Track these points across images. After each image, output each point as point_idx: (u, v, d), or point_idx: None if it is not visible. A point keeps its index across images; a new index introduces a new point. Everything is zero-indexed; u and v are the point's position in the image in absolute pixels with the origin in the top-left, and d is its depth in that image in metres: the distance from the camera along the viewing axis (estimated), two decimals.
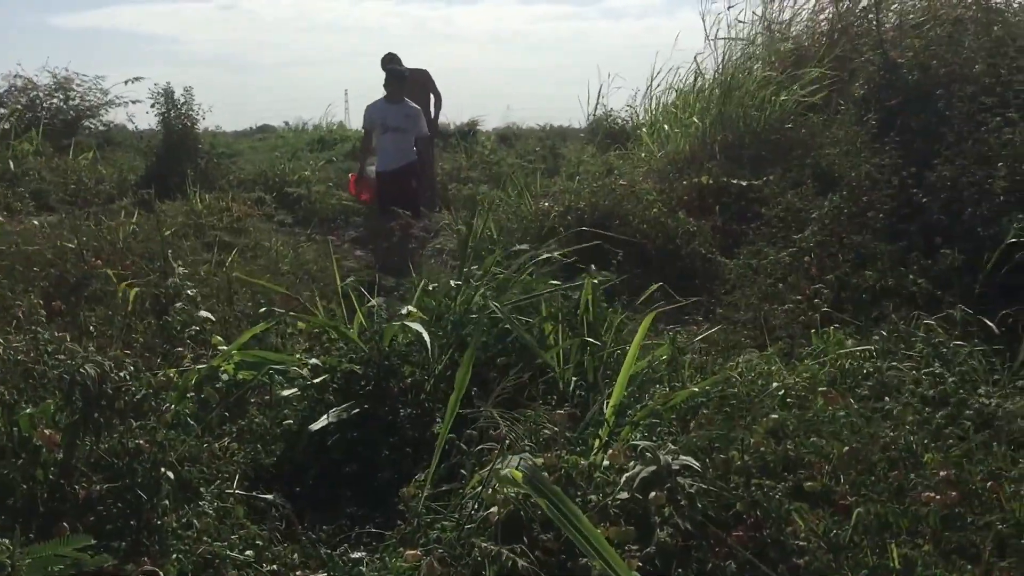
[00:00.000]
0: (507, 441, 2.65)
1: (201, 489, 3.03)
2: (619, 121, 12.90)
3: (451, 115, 15.12)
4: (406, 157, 8.50)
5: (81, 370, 2.83)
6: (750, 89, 8.80)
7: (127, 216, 7.30)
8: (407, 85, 8.97)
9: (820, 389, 3.22)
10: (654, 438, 2.86)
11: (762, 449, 2.71)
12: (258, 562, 2.77)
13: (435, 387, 3.90)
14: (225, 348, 3.99)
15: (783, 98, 8.50)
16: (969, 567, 2.49)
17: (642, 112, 11.62)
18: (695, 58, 10.21)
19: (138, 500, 2.76)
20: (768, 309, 5.31)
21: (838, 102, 7.81)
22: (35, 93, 13.88)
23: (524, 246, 5.20)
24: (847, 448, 2.76)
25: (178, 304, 4.71)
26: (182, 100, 11.46)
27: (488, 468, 2.46)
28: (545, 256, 4.88)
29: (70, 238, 5.92)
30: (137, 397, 2.91)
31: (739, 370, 3.51)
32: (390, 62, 9.65)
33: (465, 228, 4.54)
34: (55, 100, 13.96)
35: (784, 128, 8.24)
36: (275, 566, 2.80)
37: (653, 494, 2.38)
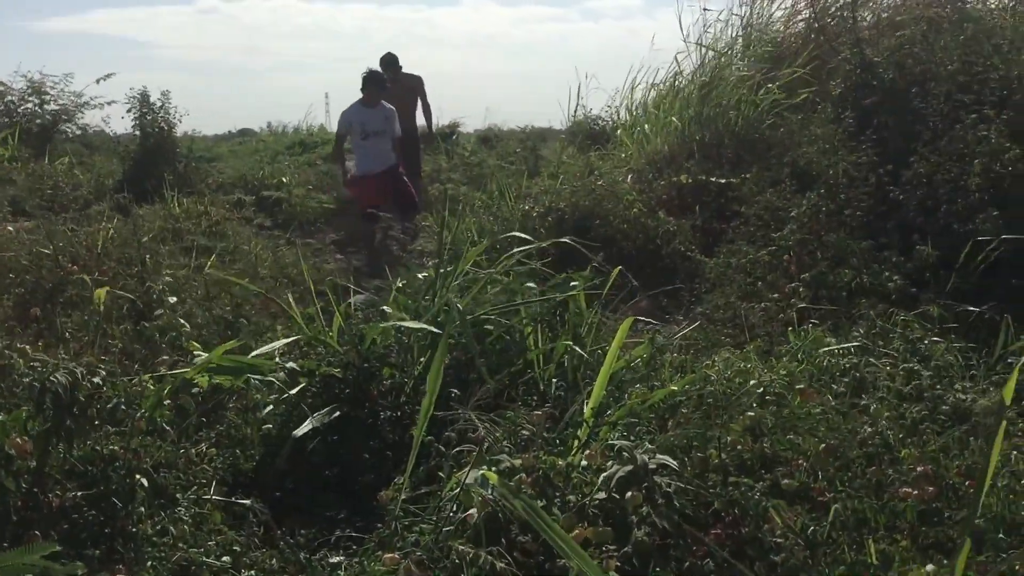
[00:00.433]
0: (485, 444, 2.64)
1: (177, 495, 3.01)
2: (599, 122, 12.93)
3: (432, 117, 15.06)
4: (388, 160, 8.44)
5: (52, 377, 2.80)
6: (728, 88, 8.83)
7: (104, 221, 7.24)
8: (399, 90, 8.97)
9: (798, 387, 3.23)
10: (633, 437, 2.86)
11: (739, 447, 2.71)
12: (235, 568, 2.74)
13: (415, 389, 3.89)
14: (202, 354, 3.96)
15: (760, 97, 8.54)
16: (945, 562, 2.49)
17: (622, 112, 11.65)
18: (675, 57, 10.24)
19: (112, 507, 2.74)
20: (747, 307, 5.33)
21: (815, 101, 7.86)
22: (10, 98, 13.75)
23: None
24: (823, 445, 2.77)
25: (158, 311, 4.66)
26: (159, 104, 11.39)
27: (466, 471, 2.45)
28: (525, 252, 4.86)
29: (46, 244, 5.86)
30: (110, 405, 2.88)
31: (716, 369, 3.52)
32: (389, 64, 9.56)
33: (440, 228, 4.52)
34: (30, 104, 13.82)
35: (762, 127, 8.27)
36: (253, 572, 2.78)
37: (630, 494, 2.38)
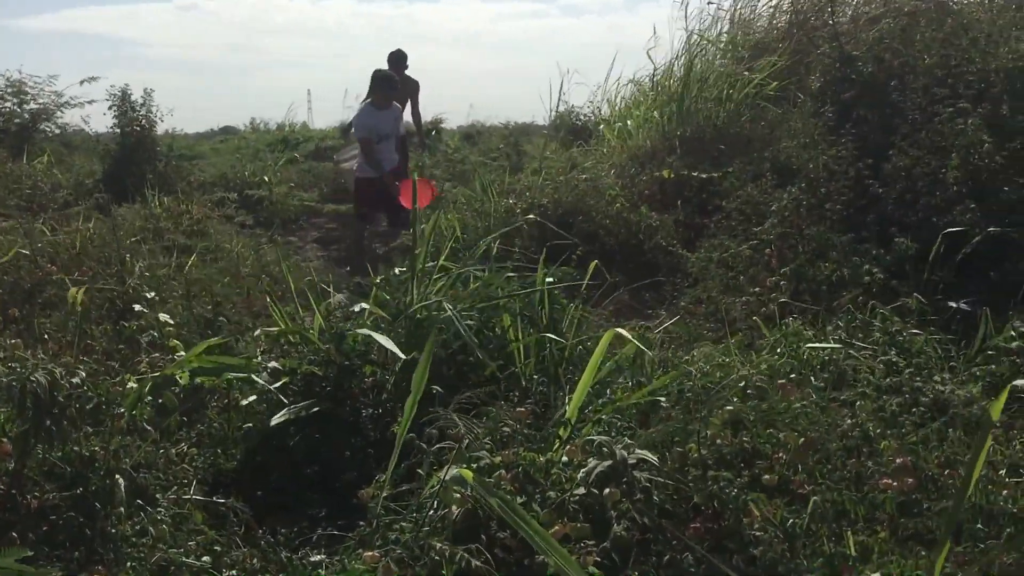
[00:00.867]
0: (465, 441, 2.63)
1: (157, 495, 2.99)
2: (581, 117, 12.95)
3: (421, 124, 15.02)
4: (393, 162, 8.31)
5: (31, 378, 2.78)
6: (709, 83, 8.85)
7: (83, 221, 7.19)
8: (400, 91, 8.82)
9: (779, 381, 3.24)
10: (614, 433, 2.87)
11: (719, 441, 2.72)
12: (216, 568, 2.73)
13: (396, 386, 3.88)
14: (183, 353, 3.94)
15: (741, 91, 8.56)
16: (924, 553, 2.51)
17: (604, 108, 11.67)
18: (647, 53, 10.24)
19: (92, 508, 2.72)
20: (729, 302, 5.35)
21: (796, 96, 7.88)
22: None
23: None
24: (803, 438, 2.78)
25: (136, 307, 4.63)
26: (140, 102, 11.32)
27: (445, 468, 2.44)
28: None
29: (24, 244, 5.82)
30: (90, 405, 2.86)
31: (696, 363, 3.53)
32: (397, 61, 9.47)
33: (414, 224, 4.51)
34: (8, 104, 13.70)
35: (743, 121, 8.30)
36: (234, 571, 2.76)
37: (609, 489, 2.39)
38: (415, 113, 10.26)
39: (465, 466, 2.42)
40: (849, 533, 2.55)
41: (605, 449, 2.48)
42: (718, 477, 2.48)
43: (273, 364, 3.90)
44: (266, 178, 11.00)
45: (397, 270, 4.37)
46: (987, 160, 5.14)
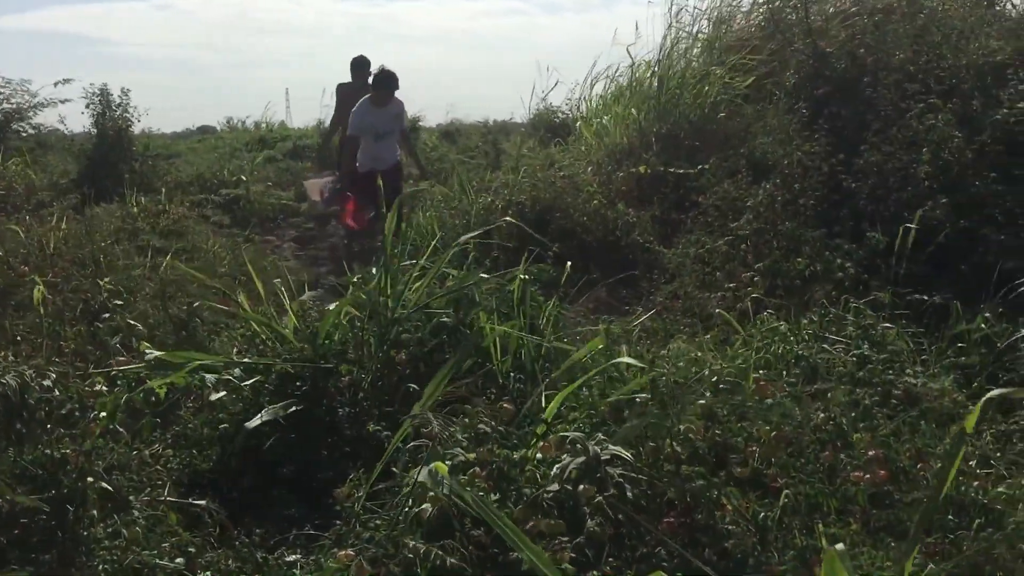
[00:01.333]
0: (439, 439, 2.64)
1: (131, 498, 2.97)
2: (560, 115, 12.96)
3: None
4: (394, 158, 8.21)
5: (1, 380, 2.76)
6: (686, 80, 8.87)
7: (58, 221, 7.13)
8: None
9: (753, 376, 3.26)
10: (588, 429, 2.88)
11: (692, 436, 2.74)
12: (190, 569, 2.72)
13: (372, 385, 3.88)
14: (155, 354, 3.91)
15: (716, 88, 8.59)
16: (894, 544, 2.54)
17: (582, 105, 11.67)
18: (627, 49, 10.26)
19: (64, 511, 2.70)
20: (705, 297, 5.37)
21: (773, 92, 7.92)
22: None
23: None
24: (774, 432, 2.80)
25: (107, 313, 4.60)
26: (118, 101, 11.22)
27: (419, 466, 2.45)
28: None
29: None
30: (63, 410, 2.84)
31: (670, 358, 3.55)
32: (358, 67, 9.21)
33: (389, 223, 4.50)
34: None
35: (719, 118, 8.33)
36: (208, 572, 2.76)
37: (583, 485, 2.40)
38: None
39: (440, 463, 2.42)
40: (821, 526, 2.57)
41: (579, 446, 2.49)
42: (691, 472, 2.50)
43: (246, 361, 3.88)
44: (243, 177, 10.93)
45: (373, 269, 4.37)
46: (957, 155, 5.19)
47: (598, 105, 10.76)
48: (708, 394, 3.03)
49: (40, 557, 2.63)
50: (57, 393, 2.86)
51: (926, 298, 4.47)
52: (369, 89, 8.76)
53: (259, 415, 3.53)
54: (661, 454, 2.65)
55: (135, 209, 8.26)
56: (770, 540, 2.45)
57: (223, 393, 3.70)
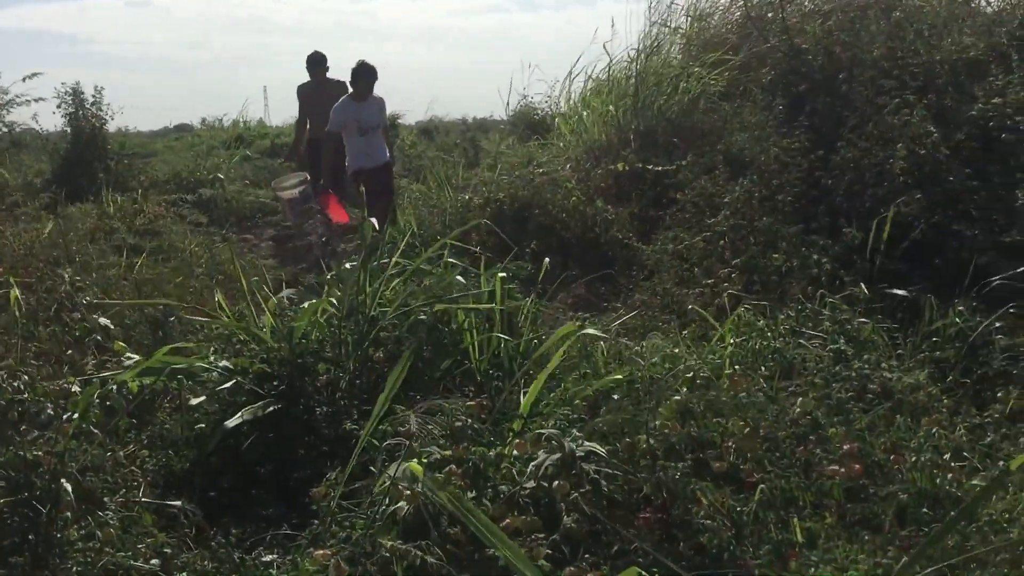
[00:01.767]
0: (416, 436, 2.63)
1: (105, 499, 2.95)
2: (539, 112, 12.97)
3: None
4: (384, 156, 8.07)
5: None
6: (664, 77, 8.89)
7: (33, 221, 7.06)
8: (323, 97, 8.51)
9: (727, 372, 3.28)
10: (565, 425, 2.88)
11: (667, 431, 2.75)
12: (166, 570, 2.70)
13: (350, 384, 3.86)
14: (132, 356, 3.88)
15: (693, 85, 8.62)
16: (868, 537, 2.55)
17: (562, 102, 11.68)
18: (605, 46, 10.26)
19: (37, 513, 2.67)
20: (683, 293, 5.39)
21: (749, 89, 7.95)
22: None
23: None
24: (748, 427, 2.81)
25: (75, 314, 4.56)
26: (91, 99, 11.13)
27: (395, 464, 2.44)
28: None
29: None
30: (33, 410, 2.81)
31: (645, 355, 3.55)
32: (316, 64, 9.09)
33: (362, 220, 4.49)
34: None
35: (696, 115, 8.35)
36: (184, 573, 2.74)
37: (558, 482, 2.40)
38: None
39: (415, 462, 2.41)
40: (796, 520, 2.58)
41: (554, 442, 2.49)
42: (666, 467, 2.50)
43: (224, 363, 3.86)
44: (220, 175, 10.86)
45: (348, 264, 4.35)
46: (932, 151, 5.23)
47: (577, 102, 10.77)
48: (684, 390, 3.04)
49: (12, 559, 2.60)
50: (27, 395, 2.83)
51: (900, 293, 4.50)
52: (329, 84, 8.75)
53: (237, 415, 3.51)
54: (637, 450, 2.65)
55: (110, 208, 8.19)
56: (745, 535, 2.46)
57: (202, 398, 3.68)
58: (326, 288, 4.35)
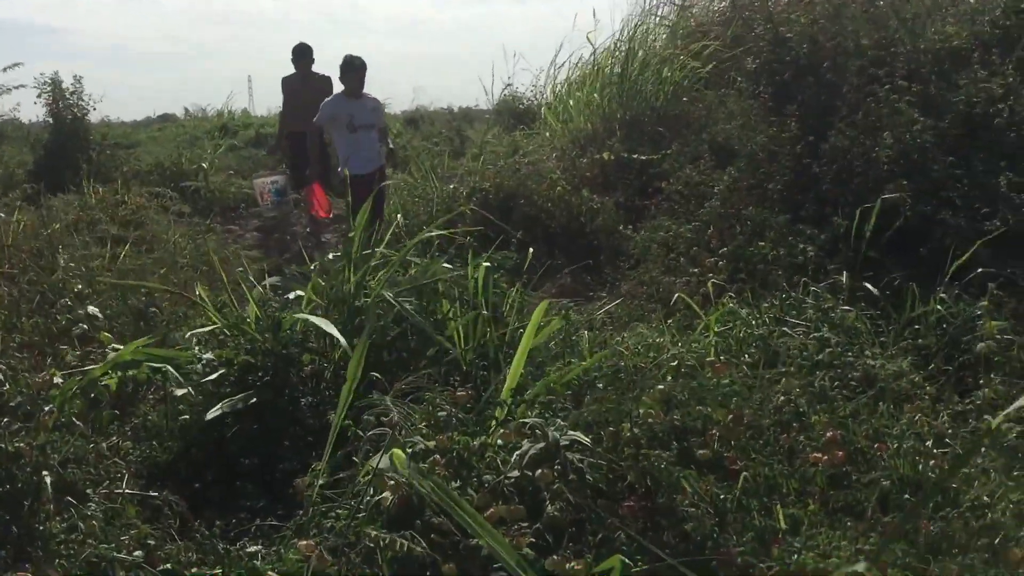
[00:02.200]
0: (399, 426, 2.62)
1: (88, 491, 2.93)
2: (524, 101, 12.95)
3: None
4: (379, 160, 7.67)
5: None
6: (649, 66, 8.89)
7: (14, 212, 7.00)
8: (308, 92, 8.25)
9: (709, 360, 3.29)
10: (547, 415, 2.88)
11: (650, 420, 2.75)
12: (150, 562, 2.69)
13: (336, 374, 3.85)
14: (116, 347, 3.86)
15: (677, 73, 8.62)
16: (850, 523, 2.57)
17: (547, 91, 11.67)
18: (588, 36, 10.26)
19: (18, 506, 2.66)
20: (669, 282, 5.40)
21: (734, 78, 7.95)
22: None
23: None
24: (731, 415, 2.82)
25: (62, 301, 4.52)
26: (71, 90, 11.03)
27: (378, 454, 2.43)
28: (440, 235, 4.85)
29: None
30: (13, 403, 2.79)
31: (628, 344, 3.56)
32: (301, 55, 8.78)
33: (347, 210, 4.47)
34: None
35: (681, 103, 8.36)
36: (168, 565, 2.72)
37: (541, 471, 2.40)
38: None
39: (399, 452, 2.40)
40: (779, 507, 2.59)
41: (538, 431, 2.50)
42: (650, 455, 2.51)
43: (209, 356, 3.84)
44: (204, 165, 10.79)
45: (331, 255, 4.33)
46: (918, 140, 5.24)
47: (562, 91, 10.76)
48: (668, 378, 3.04)
49: None
50: (8, 387, 2.81)
51: (885, 280, 4.52)
52: (314, 77, 8.56)
53: (217, 407, 3.50)
54: (621, 438, 2.66)
55: (92, 199, 8.12)
56: (729, 522, 2.47)
57: (187, 390, 3.66)
58: (311, 279, 4.33)
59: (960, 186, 5.03)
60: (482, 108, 15.82)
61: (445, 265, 4.24)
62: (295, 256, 7.52)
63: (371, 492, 2.50)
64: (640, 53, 9.28)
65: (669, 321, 4.43)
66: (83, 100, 11.04)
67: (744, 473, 2.60)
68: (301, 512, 2.83)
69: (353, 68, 7.52)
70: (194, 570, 2.76)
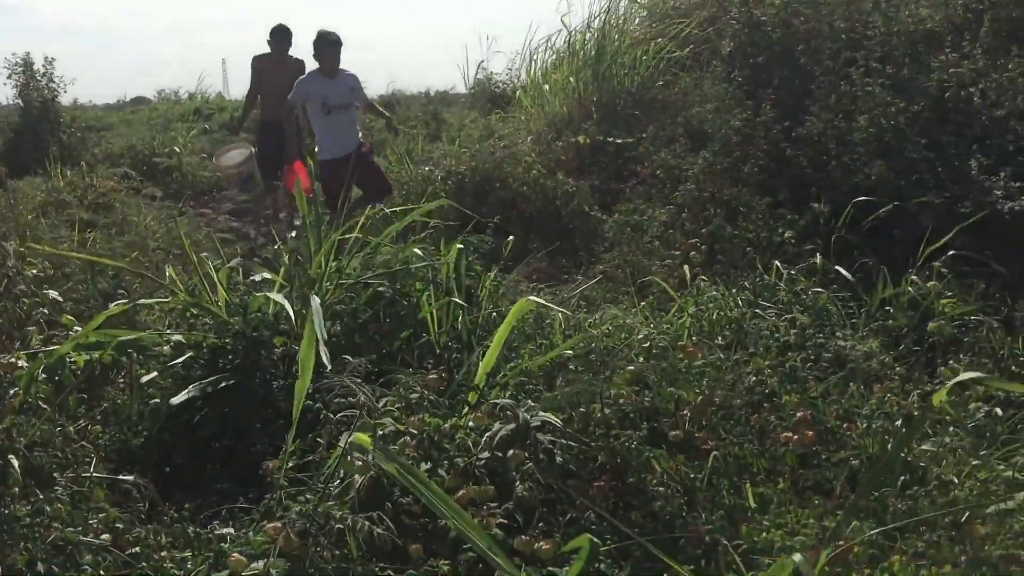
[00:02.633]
0: (367, 407, 2.61)
1: (55, 475, 2.89)
2: (500, 84, 12.90)
3: None
4: (355, 141, 7.22)
5: None
6: (623, 48, 8.87)
7: None
8: (283, 74, 7.79)
9: (680, 343, 3.29)
10: (521, 396, 2.88)
11: (621, 400, 2.75)
12: (117, 545, 2.66)
13: None
14: (79, 328, 3.81)
15: (652, 56, 8.61)
16: (819, 502, 2.59)
17: (523, 74, 11.62)
18: (562, 19, 10.22)
19: None
20: (644, 265, 5.41)
21: (709, 61, 7.95)
22: None
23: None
24: (701, 396, 2.83)
25: (20, 287, 4.46)
26: (42, 71, 10.88)
27: (345, 436, 2.42)
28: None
29: None
30: None
31: (602, 326, 3.56)
32: (281, 38, 8.22)
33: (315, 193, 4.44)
34: None
35: (656, 87, 8.35)
36: (137, 548, 2.70)
37: (512, 452, 2.40)
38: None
39: (369, 434, 2.39)
40: (749, 486, 2.60)
41: (509, 413, 2.49)
42: (620, 435, 2.51)
43: (177, 337, 3.80)
44: (176, 149, 10.67)
45: (294, 235, 4.29)
46: (892, 122, 5.27)
47: (537, 74, 10.72)
48: (640, 359, 3.04)
49: None
50: None
51: (858, 263, 4.55)
52: (289, 61, 8.24)
53: (184, 392, 3.47)
54: (591, 419, 2.66)
55: (60, 183, 8.00)
56: (698, 501, 2.47)
57: (155, 374, 3.62)
58: (284, 261, 4.30)
59: (933, 168, 5.06)
60: (459, 91, 15.76)
61: (416, 251, 4.21)
62: (269, 239, 7.46)
63: (341, 474, 2.49)
64: (615, 36, 9.25)
65: (642, 303, 4.43)
66: (54, 82, 10.90)
67: (714, 453, 2.61)
68: (270, 495, 2.81)
69: (328, 43, 7.11)
70: (163, 553, 2.74)
